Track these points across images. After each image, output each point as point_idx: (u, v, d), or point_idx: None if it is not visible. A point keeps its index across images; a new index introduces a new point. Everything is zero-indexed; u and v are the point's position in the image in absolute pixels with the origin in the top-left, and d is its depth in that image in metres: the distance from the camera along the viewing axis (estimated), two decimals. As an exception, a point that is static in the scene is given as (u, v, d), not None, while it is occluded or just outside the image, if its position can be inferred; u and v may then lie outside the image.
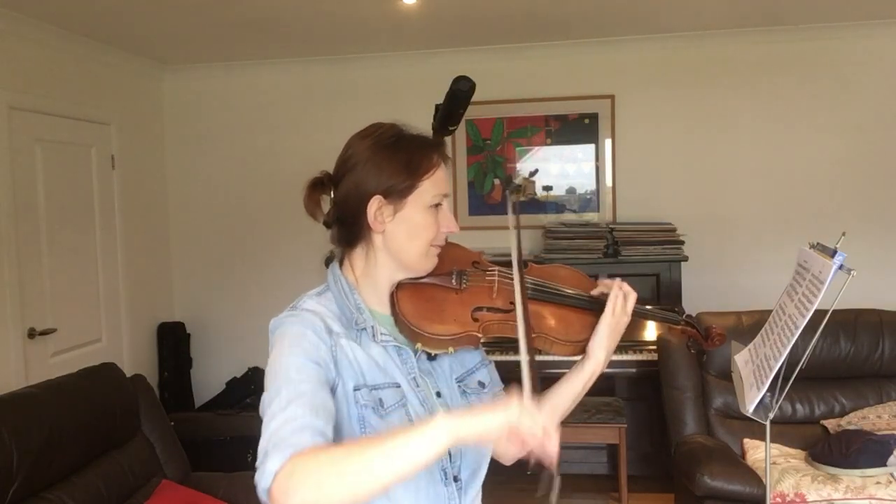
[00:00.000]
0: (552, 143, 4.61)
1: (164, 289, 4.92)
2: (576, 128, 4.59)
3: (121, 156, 4.40)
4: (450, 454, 1.22)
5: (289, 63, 4.75)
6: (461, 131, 4.65)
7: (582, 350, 1.34)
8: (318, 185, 1.23)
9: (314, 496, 0.93)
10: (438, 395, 1.25)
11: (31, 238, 3.67)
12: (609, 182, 4.57)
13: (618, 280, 1.33)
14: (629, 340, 3.93)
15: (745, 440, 3.33)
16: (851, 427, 3.24)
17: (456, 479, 1.22)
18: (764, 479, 2.78)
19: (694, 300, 4.23)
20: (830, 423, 3.35)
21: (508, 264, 1.24)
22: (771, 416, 1.92)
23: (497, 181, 4.68)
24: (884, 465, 2.92)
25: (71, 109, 4.01)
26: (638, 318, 1.37)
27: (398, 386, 1.19)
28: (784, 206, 4.42)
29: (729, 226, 4.47)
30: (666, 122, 4.50)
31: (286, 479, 0.94)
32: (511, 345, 1.15)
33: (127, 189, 4.45)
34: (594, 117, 4.56)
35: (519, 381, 1.10)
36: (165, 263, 4.95)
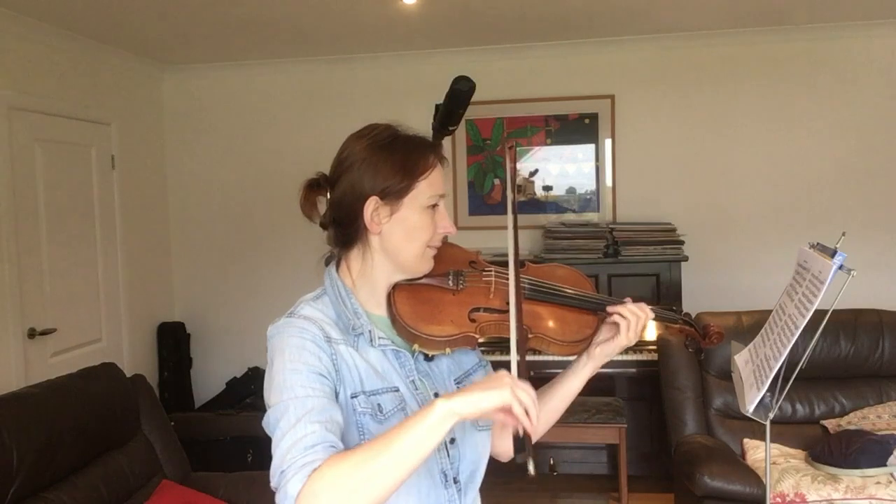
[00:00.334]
0: (552, 143, 4.61)
1: (164, 289, 4.92)
2: (576, 128, 4.59)
3: (121, 156, 4.40)
4: (448, 455, 1.22)
5: (289, 63, 4.75)
6: (461, 131, 4.65)
7: (579, 350, 1.34)
8: (314, 187, 1.22)
9: None
10: (437, 395, 1.24)
11: (31, 238, 3.67)
12: (609, 182, 4.57)
13: (641, 304, 1.33)
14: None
15: (745, 440, 3.33)
16: (851, 427, 3.24)
17: (455, 481, 1.22)
18: (764, 479, 2.78)
19: (694, 300, 4.23)
20: (830, 423, 3.35)
21: (506, 264, 1.23)
22: (771, 416, 1.91)
23: (497, 181, 4.68)
24: (884, 465, 2.91)
25: (71, 109, 4.01)
26: None
27: (397, 390, 1.18)
28: (784, 206, 4.42)
29: (729, 226, 4.47)
30: (666, 122, 4.50)
31: (310, 498, 0.95)
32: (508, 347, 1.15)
33: (127, 189, 4.45)
34: (594, 117, 4.56)
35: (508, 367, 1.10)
36: (165, 263, 4.95)
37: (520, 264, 1.26)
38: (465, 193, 4.71)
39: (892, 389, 3.44)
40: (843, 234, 1.80)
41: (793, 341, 1.78)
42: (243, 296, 4.90)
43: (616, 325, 1.33)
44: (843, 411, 3.42)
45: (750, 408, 1.88)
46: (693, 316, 1.54)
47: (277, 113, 4.85)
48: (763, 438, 2.06)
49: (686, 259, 4.17)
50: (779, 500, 2.88)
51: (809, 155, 4.39)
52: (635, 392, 4.07)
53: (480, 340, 1.26)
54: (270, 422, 1.07)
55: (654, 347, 3.84)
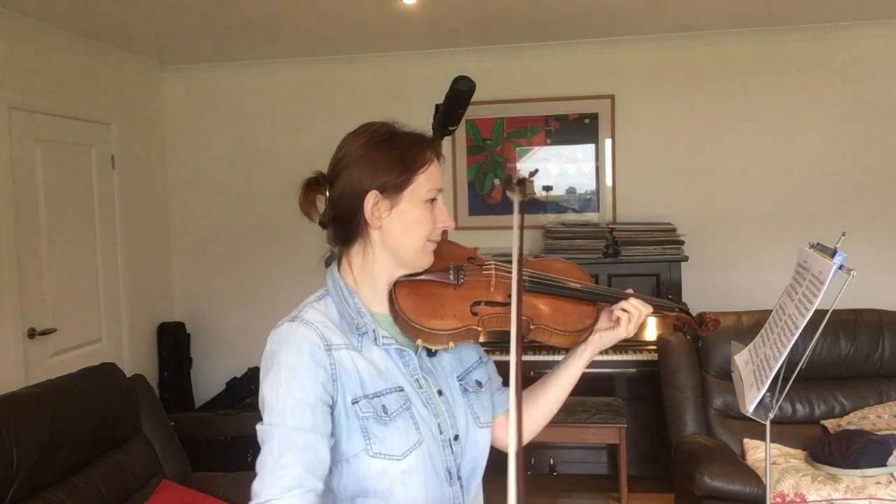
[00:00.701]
0: (552, 143, 4.61)
1: (164, 289, 4.92)
2: (576, 128, 4.59)
3: (121, 156, 4.40)
4: (452, 451, 1.23)
5: (289, 63, 4.75)
6: (461, 131, 4.64)
7: (580, 340, 1.36)
8: (313, 185, 1.23)
9: None
10: (440, 393, 1.25)
11: (31, 238, 3.67)
12: (609, 182, 4.57)
13: (641, 300, 1.36)
14: (629, 340, 3.93)
15: (745, 440, 3.33)
16: (851, 427, 3.24)
17: (459, 477, 1.23)
18: (764, 479, 2.78)
19: (694, 300, 4.17)
20: (830, 423, 3.35)
21: (504, 260, 1.24)
22: (771, 416, 1.91)
23: (497, 181, 4.68)
24: (884, 465, 2.91)
25: (71, 109, 4.01)
26: None
27: (401, 390, 1.19)
28: (784, 206, 4.42)
29: (729, 226, 4.47)
30: (666, 122, 4.50)
31: None
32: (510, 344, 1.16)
33: (127, 189, 4.45)
34: (594, 117, 4.56)
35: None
36: (165, 263, 4.95)
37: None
38: (465, 193, 4.71)
39: (892, 389, 3.44)
40: (843, 234, 1.80)
41: (793, 341, 1.78)
42: (243, 296, 4.90)
43: (617, 315, 1.36)
44: (843, 411, 3.42)
45: (750, 408, 1.88)
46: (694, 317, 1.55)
47: (277, 113, 4.85)
48: (763, 438, 2.06)
49: (686, 259, 4.17)
50: (779, 500, 2.88)
51: (809, 155, 4.39)
52: (635, 392, 4.07)
53: (483, 333, 1.26)
54: (258, 436, 1.12)
55: (654, 347, 3.84)
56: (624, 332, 1.35)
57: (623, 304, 1.34)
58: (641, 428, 4.04)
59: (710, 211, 4.48)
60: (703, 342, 3.44)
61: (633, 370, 3.95)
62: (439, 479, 1.20)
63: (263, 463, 1.09)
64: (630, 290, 1.38)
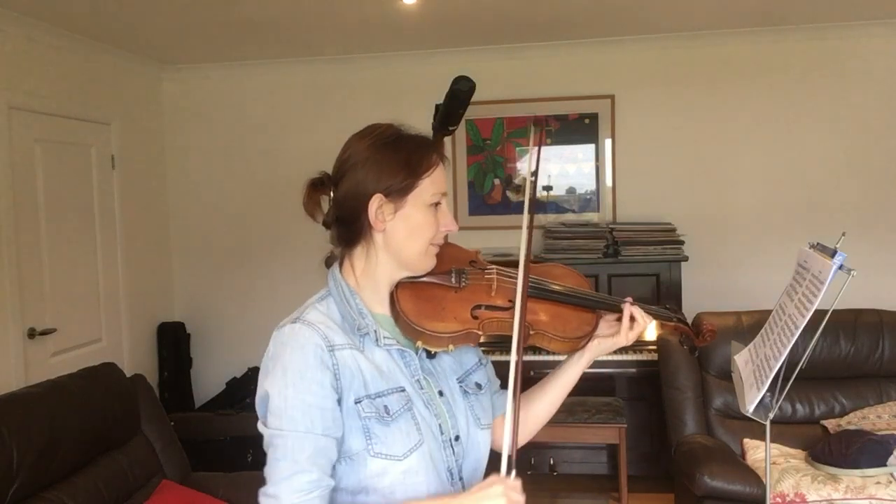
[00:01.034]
0: (552, 143, 4.61)
1: (164, 289, 4.92)
2: (576, 128, 4.59)
3: (121, 156, 4.40)
4: (454, 452, 1.23)
5: (289, 63, 4.75)
6: (461, 131, 4.65)
7: (579, 347, 1.36)
8: (318, 186, 1.23)
9: None
10: (441, 394, 1.26)
11: (31, 238, 3.67)
12: (609, 182, 4.57)
13: (643, 312, 1.38)
14: (629, 340, 3.94)
15: (745, 440, 3.33)
16: (851, 427, 3.24)
17: (460, 478, 1.24)
18: (764, 479, 2.78)
19: (694, 300, 4.23)
20: (830, 423, 3.35)
21: (505, 264, 1.25)
22: (771, 416, 1.91)
23: (497, 181, 4.68)
24: (884, 465, 2.91)
25: (71, 109, 4.01)
26: None
27: (403, 390, 1.19)
28: (784, 206, 4.42)
29: (729, 226, 4.47)
30: (666, 122, 4.50)
31: None
32: (509, 346, 1.17)
33: (127, 189, 4.45)
34: (594, 117, 4.56)
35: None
36: (165, 263, 4.95)
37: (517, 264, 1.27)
38: (466, 193, 4.71)
39: (892, 389, 3.44)
40: (843, 234, 1.79)
41: (793, 341, 1.78)
42: (243, 296, 4.90)
43: (617, 322, 1.37)
44: (843, 411, 3.42)
45: (750, 408, 1.88)
46: (693, 316, 1.55)
47: (277, 113, 4.85)
48: (763, 438, 2.06)
49: (686, 259, 4.17)
50: (779, 500, 2.88)
51: (809, 155, 4.39)
52: (635, 392, 4.07)
53: (483, 336, 1.27)
54: (266, 440, 1.13)
55: (653, 347, 3.84)
56: (623, 340, 1.36)
57: (625, 314, 1.36)
58: (641, 428, 4.04)
59: (710, 211, 4.48)
60: (699, 352, 3.44)
61: (633, 370, 3.95)
62: (440, 479, 1.20)
63: (277, 468, 1.09)
64: (629, 299, 1.38)
